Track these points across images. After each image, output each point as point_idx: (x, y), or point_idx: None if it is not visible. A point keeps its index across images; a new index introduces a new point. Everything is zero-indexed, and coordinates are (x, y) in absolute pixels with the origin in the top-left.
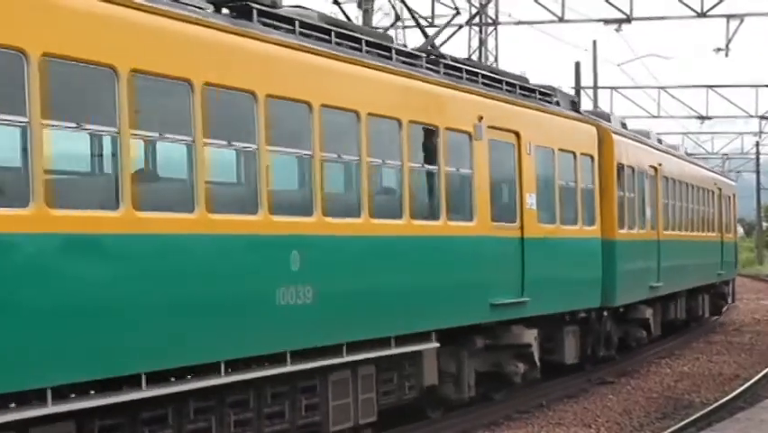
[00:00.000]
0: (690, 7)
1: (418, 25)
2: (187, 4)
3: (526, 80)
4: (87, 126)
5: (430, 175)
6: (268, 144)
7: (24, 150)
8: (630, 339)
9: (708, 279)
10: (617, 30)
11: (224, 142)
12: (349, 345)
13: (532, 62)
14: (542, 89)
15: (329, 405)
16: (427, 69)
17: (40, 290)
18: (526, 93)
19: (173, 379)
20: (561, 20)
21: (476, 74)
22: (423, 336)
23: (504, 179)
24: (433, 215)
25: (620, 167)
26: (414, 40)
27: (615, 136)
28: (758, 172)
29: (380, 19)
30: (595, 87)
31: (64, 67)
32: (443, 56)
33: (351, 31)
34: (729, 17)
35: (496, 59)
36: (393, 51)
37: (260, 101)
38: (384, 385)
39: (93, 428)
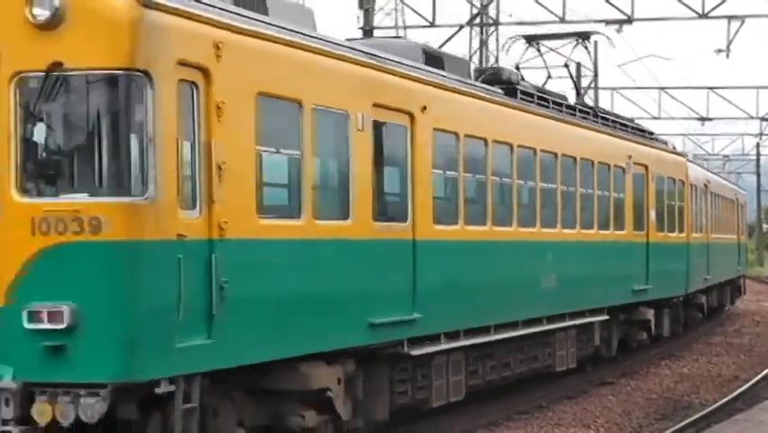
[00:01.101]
0: (691, 8)
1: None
2: (493, 92)
3: (631, 120)
4: (493, 178)
5: (606, 198)
6: (541, 182)
7: (484, 192)
8: (689, 319)
9: (732, 273)
10: (618, 31)
11: (524, 183)
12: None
13: (532, 62)
14: (648, 131)
15: (556, 354)
16: (593, 121)
17: (487, 271)
18: (639, 132)
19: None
20: (562, 20)
21: (614, 120)
22: (596, 311)
23: (639, 200)
24: (606, 225)
25: (691, 187)
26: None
27: (689, 163)
28: (758, 174)
29: (382, 19)
30: (596, 88)
31: (469, 140)
32: (593, 108)
33: (553, 96)
34: (730, 18)
35: (497, 60)
36: (577, 110)
37: (538, 154)
38: (579, 343)
39: (462, 358)
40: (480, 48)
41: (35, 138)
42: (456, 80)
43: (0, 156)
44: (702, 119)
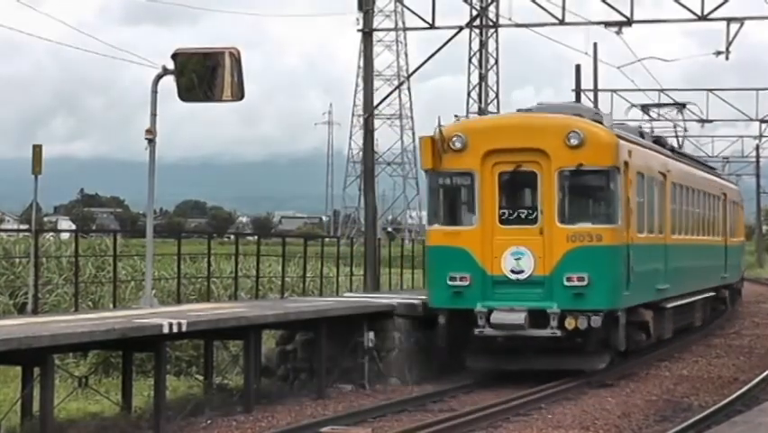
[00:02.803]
0: (690, 10)
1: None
2: (666, 152)
3: (699, 158)
4: (687, 208)
5: (713, 216)
6: (695, 207)
7: (685, 215)
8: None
9: (743, 268)
10: (618, 33)
11: (691, 208)
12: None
13: (533, 64)
14: (715, 167)
15: (695, 315)
16: (698, 164)
17: (685, 260)
18: (712, 168)
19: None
20: (561, 22)
21: (703, 162)
22: (707, 289)
23: (723, 215)
24: (712, 233)
25: (740, 205)
26: (413, 41)
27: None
28: (758, 176)
29: (381, 21)
30: (595, 90)
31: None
32: (691, 155)
33: (673, 147)
34: (730, 20)
35: (496, 62)
36: (691, 158)
37: (697, 191)
38: (701, 310)
39: (672, 313)
40: (480, 49)
41: (567, 198)
42: (672, 154)
43: (549, 207)
44: (702, 121)
